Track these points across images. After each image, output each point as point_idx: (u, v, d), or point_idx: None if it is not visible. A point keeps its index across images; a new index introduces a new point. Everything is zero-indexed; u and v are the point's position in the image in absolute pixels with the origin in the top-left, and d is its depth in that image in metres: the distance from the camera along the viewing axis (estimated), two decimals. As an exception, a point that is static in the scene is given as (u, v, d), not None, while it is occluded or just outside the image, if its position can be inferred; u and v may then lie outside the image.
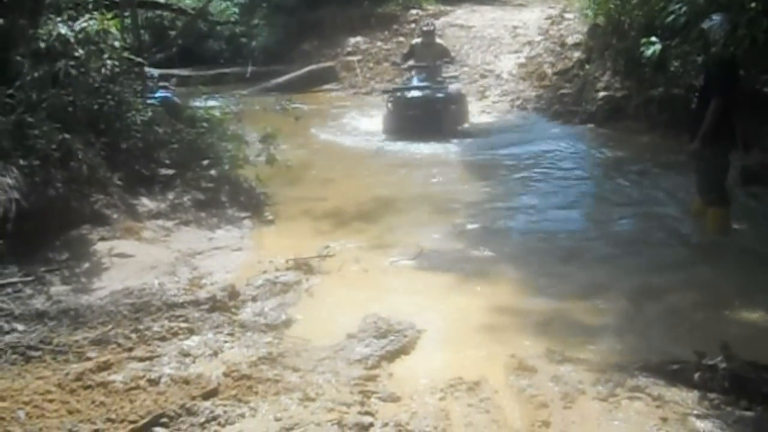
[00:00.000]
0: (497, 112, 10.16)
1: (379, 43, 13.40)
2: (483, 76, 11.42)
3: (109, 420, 2.80)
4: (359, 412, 3.00)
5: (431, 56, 9.54)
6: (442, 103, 8.94)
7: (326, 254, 4.92)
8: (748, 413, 2.96)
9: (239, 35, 14.81)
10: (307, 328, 3.88)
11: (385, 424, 2.93)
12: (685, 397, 3.09)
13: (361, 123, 10.07)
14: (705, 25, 5.09)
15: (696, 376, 3.22)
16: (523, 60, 11.61)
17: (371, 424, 2.93)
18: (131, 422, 2.79)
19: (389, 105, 9.16)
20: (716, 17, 5.09)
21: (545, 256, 5.00)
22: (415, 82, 9.34)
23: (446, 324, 4.04)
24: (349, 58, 13.33)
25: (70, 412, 2.89)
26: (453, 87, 9.43)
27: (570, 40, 11.37)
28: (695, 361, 3.29)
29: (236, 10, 14.37)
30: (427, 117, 8.74)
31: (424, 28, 10.10)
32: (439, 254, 5.08)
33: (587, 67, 9.88)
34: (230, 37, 14.84)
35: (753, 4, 6.03)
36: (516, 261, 4.91)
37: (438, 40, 10.05)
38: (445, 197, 6.45)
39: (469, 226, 5.66)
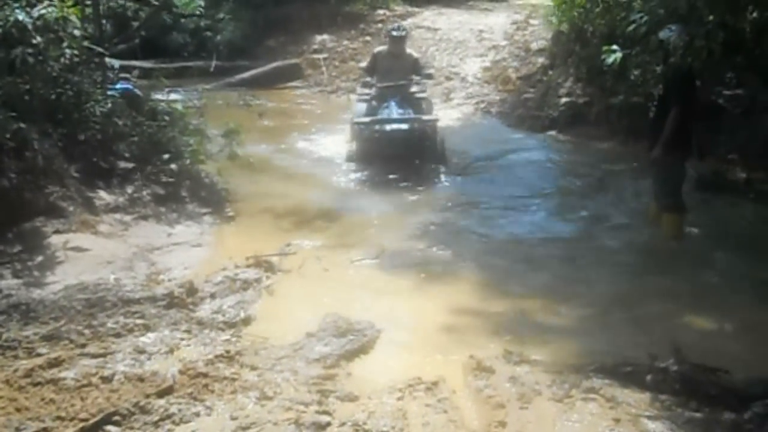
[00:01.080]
0: (461, 114, 10.21)
1: (345, 42, 13.35)
2: (448, 79, 11.46)
3: (58, 418, 2.74)
4: (317, 411, 3.00)
5: (400, 70, 7.52)
6: (428, 137, 7.11)
7: (287, 252, 4.89)
8: (698, 414, 3.05)
9: (204, 29, 14.57)
10: (266, 327, 3.86)
11: (343, 424, 2.93)
12: (637, 399, 3.16)
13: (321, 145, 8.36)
14: (663, 35, 5.22)
15: (648, 378, 3.30)
16: (488, 64, 11.70)
17: (329, 424, 2.92)
18: (82, 420, 2.72)
19: (358, 140, 7.24)
20: (674, 28, 5.22)
21: (505, 259, 5.05)
22: (393, 110, 7.16)
23: (406, 324, 4.05)
24: (315, 55, 13.24)
25: (18, 410, 2.81)
26: (430, 112, 7.51)
27: (534, 46, 11.50)
28: (648, 363, 3.37)
29: (202, 2, 13.98)
30: (410, 155, 6.99)
31: (394, 33, 7.73)
32: (401, 254, 5.10)
33: (550, 72, 10.00)
34: (195, 30, 14.59)
35: (710, 17, 6.19)
36: (476, 263, 4.95)
37: (408, 50, 7.85)
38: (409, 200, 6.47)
39: (432, 227, 5.69)
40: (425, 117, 7.20)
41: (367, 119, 7.19)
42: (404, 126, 7.00)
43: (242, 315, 3.94)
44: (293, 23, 14.42)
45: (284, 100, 11.43)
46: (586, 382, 3.30)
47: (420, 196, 6.53)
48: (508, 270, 4.86)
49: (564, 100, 9.11)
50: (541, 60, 10.77)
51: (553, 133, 8.83)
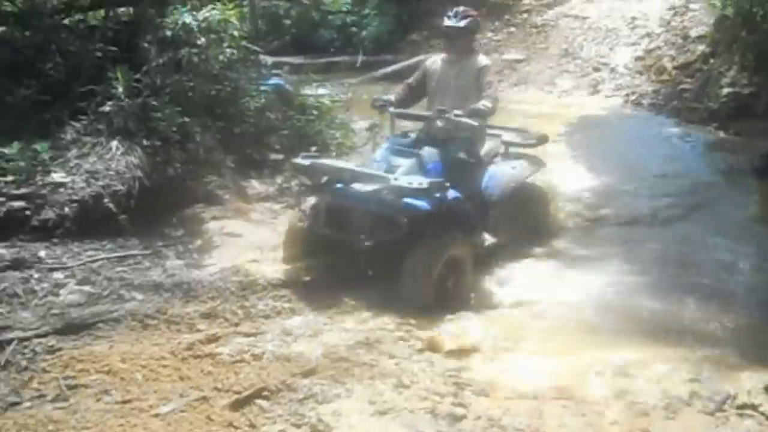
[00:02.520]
0: (609, 106, 9.75)
1: (489, 34, 13.16)
2: (596, 70, 10.98)
3: (215, 389, 2.97)
4: (452, 403, 3.03)
5: (457, 92, 4.76)
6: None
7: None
8: None
9: (350, 24, 15.02)
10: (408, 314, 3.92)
11: (478, 418, 2.94)
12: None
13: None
14: None
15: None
16: (640, 53, 11.07)
17: (464, 416, 2.94)
18: (236, 392, 2.94)
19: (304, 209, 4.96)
20: None
21: (658, 263, 4.79)
22: (379, 158, 4.51)
23: (548, 321, 3.98)
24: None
25: (181, 378, 3.09)
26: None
27: (694, 33, 10.72)
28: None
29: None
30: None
31: (448, 22, 4.86)
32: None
33: (712, 61, 9.28)
34: (341, 26, 15.08)
35: None
36: (626, 264, 4.74)
37: (482, 59, 4.93)
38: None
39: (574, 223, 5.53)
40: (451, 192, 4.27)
41: (307, 162, 4.41)
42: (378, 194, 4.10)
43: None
44: (437, 17, 14.37)
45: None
46: (743, 396, 3.06)
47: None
48: (661, 272, 4.60)
49: (726, 90, 8.43)
50: (701, 48, 10.02)
51: (712, 127, 8.20)
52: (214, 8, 5.42)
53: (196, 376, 3.09)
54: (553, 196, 5.57)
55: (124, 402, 2.88)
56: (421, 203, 4.09)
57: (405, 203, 4.08)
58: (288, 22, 13.99)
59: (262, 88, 7.00)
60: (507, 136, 5.02)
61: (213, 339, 3.45)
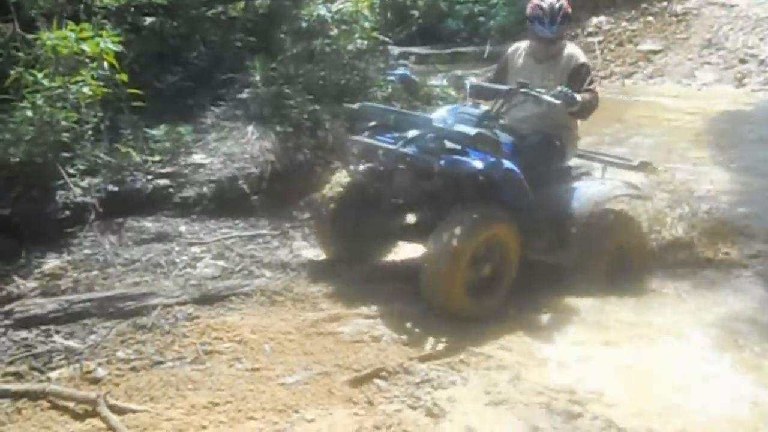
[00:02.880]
0: (757, 101, 9.04)
1: (624, 24, 12.60)
2: (742, 62, 10.23)
3: (336, 365, 3.11)
4: (568, 401, 2.98)
5: (540, 88, 3.96)
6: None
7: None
8: None
9: (477, 14, 14.90)
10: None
11: (595, 418, 2.88)
12: None
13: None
14: None
15: None
16: (794, 44, 10.20)
17: (580, 415, 2.89)
18: (355, 370, 3.06)
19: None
20: None
21: None
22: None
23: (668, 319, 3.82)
24: (589, 39, 12.74)
25: (305, 353, 3.25)
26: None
27: None
28: None
29: (478, -11, 14.47)
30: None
31: (554, 30, 4.07)
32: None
33: None
34: (468, 16, 14.99)
35: None
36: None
37: (569, 49, 4.24)
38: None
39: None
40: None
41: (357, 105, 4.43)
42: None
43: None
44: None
45: (553, 85, 11.21)
46: None
47: None
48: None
49: None
50: None
51: None
52: (347, 0, 5.59)
53: (318, 351, 3.24)
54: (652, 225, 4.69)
55: (254, 370, 3.07)
56: (464, 160, 3.63)
57: (444, 157, 3.61)
58: (415, 12, 14.08)
59: (389, 78, 7.12)
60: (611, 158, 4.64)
61: (335, 318, 3.59)
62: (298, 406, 2.78)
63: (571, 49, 4.26)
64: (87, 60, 4.17)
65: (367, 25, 5.84)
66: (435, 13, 14.15)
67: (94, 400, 2.70)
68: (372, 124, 4.12)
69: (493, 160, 3.69)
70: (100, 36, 4.15)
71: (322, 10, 5.45)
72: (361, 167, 4.20)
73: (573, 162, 4.41)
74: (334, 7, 5.54)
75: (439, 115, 4.08)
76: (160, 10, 6.40)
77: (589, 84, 4.07)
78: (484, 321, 3.65)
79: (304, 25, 5.68)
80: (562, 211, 4.09)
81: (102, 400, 2.69)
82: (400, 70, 8.27)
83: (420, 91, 6.89)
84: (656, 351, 3.49)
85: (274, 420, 2.68)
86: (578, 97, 3.89)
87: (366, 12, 5.72)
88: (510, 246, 3.81)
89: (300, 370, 3.07)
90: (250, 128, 5.20)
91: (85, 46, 4.05)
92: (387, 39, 6.76)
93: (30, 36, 4.47)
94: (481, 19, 14.83)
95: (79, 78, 4.20)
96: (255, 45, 5.98)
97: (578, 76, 4.06)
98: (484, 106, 4.06)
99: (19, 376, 2.96)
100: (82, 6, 5.19)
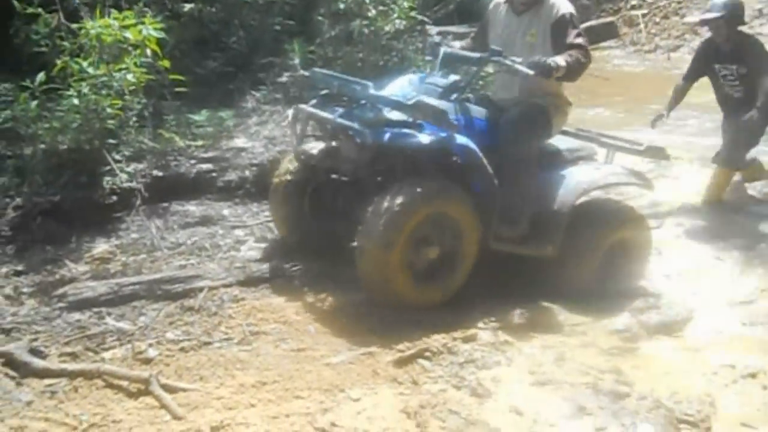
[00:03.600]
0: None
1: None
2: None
3: (380, 346, 3.13)
4: (615, 381, 2.95)
5: (526, 55, 3.55)
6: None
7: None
8: None
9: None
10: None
11: (642, 398, 2.84)
12: None
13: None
14: None
15: None
16: None
17: (627, 395, 2.86)
18: (399, 351, 3.08)
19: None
20: None
21: None
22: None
23: (720, 307, 3.74)
24: (633, 12, 12.40)
25: (349, 334, 3.27)
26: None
27: None
28: None
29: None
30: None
31: None
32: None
33: None
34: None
35: None
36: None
37: (560, 3, 3.70)
38: None
39: None
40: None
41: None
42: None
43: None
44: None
45: (597, 60, 10.97)
46: None
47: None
48: None
49: None
50: None
51: None
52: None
53: (362, 332, 3.27)
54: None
55: (299, 350, 3.12)
56: (401, 133, 3.27)
57: (374, 130, 3.26)
58: (453, -10, 13.89)
59: (428, 57, 7.06)
60: (614, 141, 4.09)
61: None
62: (344, 386, 2.81)
63: (555, 1, 3.69)
64: (130, 47, 4.23)
65: (405, 4, 5.78)
66: (472, -9, 13.93)
67: (146, 379, 2.77)
68: (324, 92, 3.79)
69: (443, 135, 3.31)
70: (143, 23, 4.20)
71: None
72: (309, 144, 3.77)
73: (570, 144, 3.96)
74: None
75: (399, 85, 3.68)
76: (200, -6, 6.45)
77: (576, 37, 3.57)
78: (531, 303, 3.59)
79: (341, 6, 5.67)
80: (544, 198, 3.63)
81: (154, 379, 2.76)
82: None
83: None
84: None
85: (321, 399, 2.71)
86: (560, 61, 3.42)
87: (405, -8, 5.68)
88: (463, 229, 3.40)
89: (344, 350, 3.11)
90: (290, 111, 5.21)
91: (128, 34, 4.11)
92: (425, 18, 6.68)
93: (74, 25, 4.55)
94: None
95: (123, 65, 4.27)
96: (293, 28, 5.99)
97: (562, 28, 3.60)
98: (454, 76, 3.72)
99: (74, 356, 3.05)
100: (123, -6, 5.27)
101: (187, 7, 5.93)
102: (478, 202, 3.46)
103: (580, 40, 3.60)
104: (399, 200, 3.21)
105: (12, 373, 2.88)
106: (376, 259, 3.23)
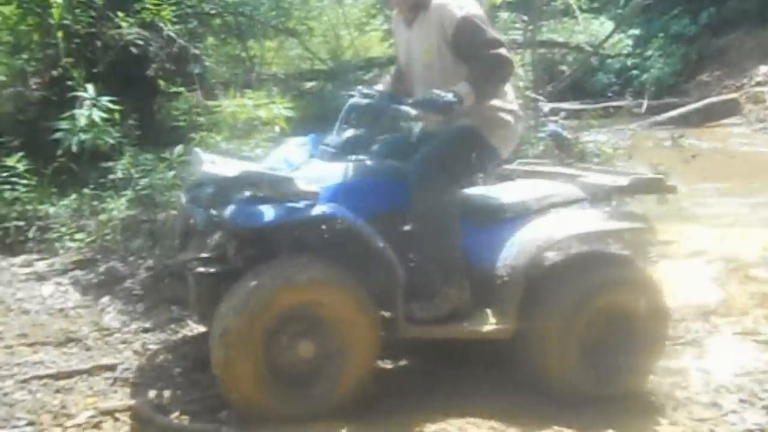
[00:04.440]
0: None
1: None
2: None
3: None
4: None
5: (426, 75, 3.07)
6: None
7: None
8: None
9: (630, 67, 14.51)
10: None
11: None
12: None
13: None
14: None
15: None
16: None
17: None
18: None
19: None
20: None
21: None
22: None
23: None
24: (758, 89, 11.92)
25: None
26: None
27: None
28: None
29: (629, 42, 14.11)
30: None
31: None
32: None
33: None
34: (620, 69, 14.65)
35: None
36: None
37: (450, 5, 2.88)
38: None
39: None
40: None
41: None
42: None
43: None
44: (731, 54, 13.34)
45: (719, 139, 10.55)
46: None
47: None
48: None
49: None
50: None
51: None
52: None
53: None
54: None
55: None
56: (232, 213, 2.69)
57: (198, 211, 2.79)
58: (564, 67, 13.97)
59: (539, 134, 7.07)
60: (591, 178, 3.22)
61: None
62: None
63: (446, 2, 2.88)
64: (260, 124, 4.54)
65: (521, 84, 5.86)
66: (585, 68, 13.94)
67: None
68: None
69: (291, 206, 2.71)
70: (273, 103, 4.51)
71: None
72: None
73: (540, 189, 3.16)
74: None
75: (285, 151, 3.17)
76: (321, 75, 6.88)
77: (486, 44, 2.78)
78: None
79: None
80: (486, 261, 2.91)
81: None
82: (551, 127, 8.25)
83: (573, 148, 6.78)
84: None
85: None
86: (463, 89, 2.73)
87: (520, 72, 5.76)
88: (344, 318, 2.73)
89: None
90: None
91: (261, 112, 4.41)
92: (539, 97, 6.74)
93: (210, 103, 4.96)
94: (635, 72, 14.47)
95: (252, 141, 4.58)
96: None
97: (463, 38, 2.82)
98: (351, 131, 3.08)
99: (194, 414, 3.15)
100: (254, 75, 5.71)
101: (309, 85, 6.30)
102: (374, 281, 2.80)
103: (488, 46, 2.78)
104: (244, 295, 2.64)
105: (136, 426, 2.98)
106: (223, 365, 2.66)
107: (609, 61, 14.52)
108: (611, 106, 12.63)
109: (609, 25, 13.00)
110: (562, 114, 9.26)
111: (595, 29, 12.74)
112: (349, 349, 2.75)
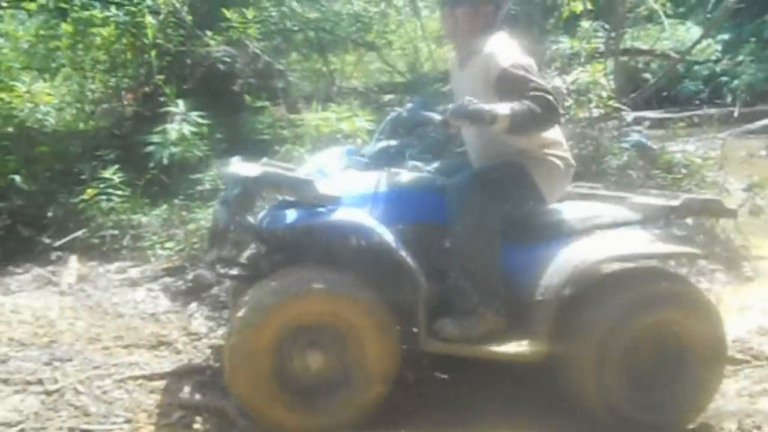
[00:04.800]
0: None
1: None
2: None
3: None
4: None
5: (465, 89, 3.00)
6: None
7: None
8: None
9: (719, 74, 13.90)
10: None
11: None
12: None
13: None
14: None
15: None
16: None
17: None
18: None
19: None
20: None
21: None
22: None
23: None
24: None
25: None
26: None
27: None
28: None
29: (718, 47, 13.53)
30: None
31: None
32: None
33: None
34: (708, 76, 14.05)
35: None
36: None
37: (498, 52, 2.90)
38: None
39: None
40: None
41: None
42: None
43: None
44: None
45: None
46: None
47: None
48: None
49: None
50: None
51: None
52: (583, 71, 5.57)
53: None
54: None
55: None
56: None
57: (223, 215, 2.88)
58: (648, 75, 13.55)
59: (623, 145, 6.87)
60: (641, 199, 3.12)
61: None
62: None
63: (495, 44, 2.91)
64: (342, 137, 4.64)
65: (603, 93, 5.74)
66: (671, 75, 13.46)
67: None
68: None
69: (313, 211, 2.74)
70: (356, 116, 4.60)
71: (558, 82, 5.48)
72: None
73: (586, 210, 3.04)
74: (570, 78, 5.54)
75: (320, 160, 3.20)
76: (400, 88, 6.95)
77: (530, 89, 2.73)
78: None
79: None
80: (523, 281, 2.84)
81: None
82: (635, 137, 8.00)
83: (659, 158, 6.55)
84: None
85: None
86: (501, 109, 2.67)
87: (603, 81, 5.63)
88: (363, 333, 2.69)
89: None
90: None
91: (343, 125, 4.51)
92: (622, 106, 6.57)
93: (293, 116, 5.10)
94: (724, 78, 13.86)
95: (334, 153, 4.68)
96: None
97: (504, 87, 2.80)
98: (384, 143, 3.14)
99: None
100: (335, 88, 5.83)
101: (388, 97, 6.38)
102: (396, 292, 2.79)
103: (533, 91, 2.73)
104: (256, 300, 2.67)
105: (224, 426, 3.02)
106: (233, 368, 2.68)
107: (696, 67, 13.95)
108: (699, 115, 12.13)
109: (696, 31, 12.54)
110: (647, 123, 8.92)
111: (682, 35, 12.31)
112: (365, 361, 2.70)
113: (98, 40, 5.84)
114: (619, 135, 6.84)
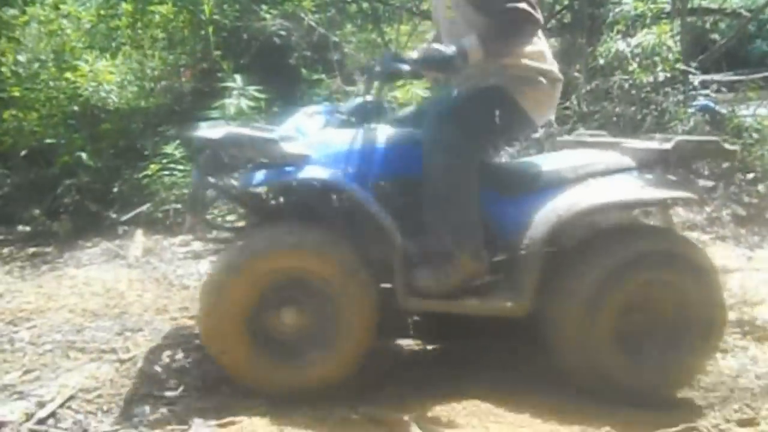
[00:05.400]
0: None
1: None
2: None
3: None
4: None
5: (445, 23, 2.93)
6: None
7: None
8: None
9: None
10: None
11: None
12: None
13: None
14: None
15: None
16: None
17: None
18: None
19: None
20: None
21: None
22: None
23: None
24: None
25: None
26: None
27: None
28: None
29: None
30: None
31: None
32: None
33: None
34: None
35: None
36: None
37: None
38: None
39: None
40: None
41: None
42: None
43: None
44: None
45: None
46: None
47: None
48: None
49: None
50: None
51: None
52: (649, 32, 5.35)
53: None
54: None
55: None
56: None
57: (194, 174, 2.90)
58: (716, 36, 12.92)
59: (690, 110, 6.60)
60: (634, 144, 2.93)
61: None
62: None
63: None
64: (397, 105, 4.60)
65: (671, 57, 5.51)
66: (741, 35, 12.80)
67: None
68: None
69: (282, 170, 2.67)
70: (411, 84, 4.56)
71: (622, 45, 5.29)
72: None
73: (578, 158, 2.89)
74: (635, 41, 5.34)
75: (296, 119, 3.09)
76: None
77: (504, 2, 2.56)
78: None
79: (601, 62, 5.57)
80: (508, 232, 2.70)
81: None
82: (702, 101, 7.67)
83: (728, 123, 6.27)
84: None
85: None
86: (469, 43, 2.54)
87: (670, 43, 5.40)
88: (337, 290, 2.64)
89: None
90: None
91: (397, 93, 4.48)
92: (690, 69, 6.29)
93: (349, 88, 5.08)
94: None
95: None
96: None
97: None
98: (359, 98, 3.04)
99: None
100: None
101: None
102: (371, 248, 2.68)
103: (507, 4, 2.55)
104: (228, 255, 2.72)
105: None
106: (207, 328, 2.69)
107: (768, 26, 13.25)
108: (773, 76, 11.54)
109: (770, -13, 11.84)
110: (714, 86, 8.52)
111: (753, -8, 11.66)
112: (342, 319, 2.66)
113: (157, 18, 5.92)
114: (685, 99, 6.57)
